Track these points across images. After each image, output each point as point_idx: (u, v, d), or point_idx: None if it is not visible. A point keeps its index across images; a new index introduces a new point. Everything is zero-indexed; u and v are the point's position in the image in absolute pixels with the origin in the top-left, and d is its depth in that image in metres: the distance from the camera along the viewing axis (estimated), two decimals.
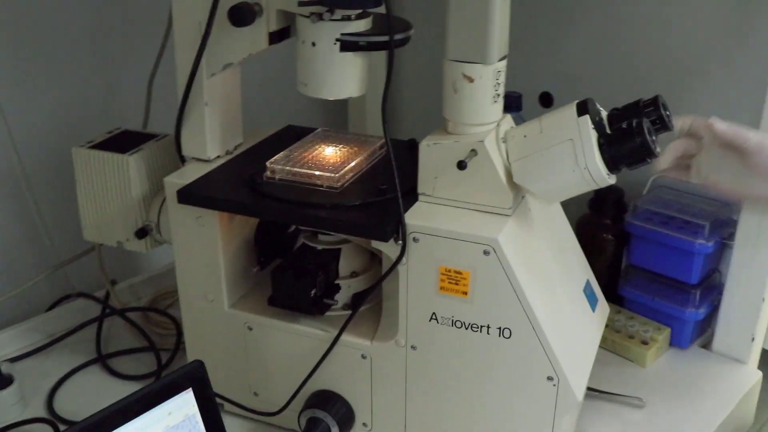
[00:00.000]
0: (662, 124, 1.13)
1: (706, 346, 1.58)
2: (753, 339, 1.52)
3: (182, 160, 1.33)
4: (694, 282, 1.51)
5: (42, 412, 1.38)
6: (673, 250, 1.49)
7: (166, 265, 1.72)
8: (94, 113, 1.59)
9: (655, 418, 1.39)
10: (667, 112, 1.14)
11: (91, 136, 1.40)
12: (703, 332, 1.58)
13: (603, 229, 1.59)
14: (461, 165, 1.11)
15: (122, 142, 1.38)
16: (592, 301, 1.28)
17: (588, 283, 1.30)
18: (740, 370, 1.53)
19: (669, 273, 1.53)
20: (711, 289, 1.54)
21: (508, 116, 1.20)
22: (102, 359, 1.50)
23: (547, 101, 1.72)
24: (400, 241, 1.13)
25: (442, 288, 1.14)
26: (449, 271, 1.13)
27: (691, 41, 1.55)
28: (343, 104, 2.01)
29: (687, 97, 1.51)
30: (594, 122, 1.08)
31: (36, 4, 1.48)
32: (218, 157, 1.32)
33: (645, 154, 1.07)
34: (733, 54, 1.49)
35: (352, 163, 1.26)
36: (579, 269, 1.30)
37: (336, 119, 2.02)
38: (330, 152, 1.31)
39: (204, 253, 1.27)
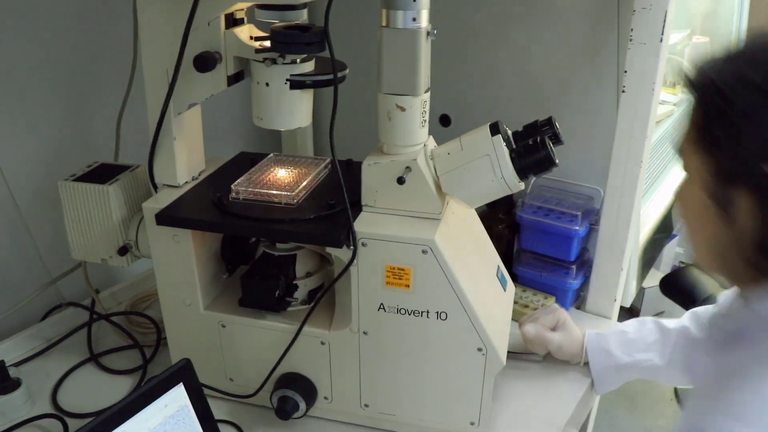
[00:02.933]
0: (557, 139, 1.06)
1: (580, 307, 1.53)
2: (615, 300, 1.49)
3: (155, 186, 1.18)
4: (572, 259, 1.46)
5: (48, 408, 1.22)
6: (554, 235, 1.44)
7: (141, 274, 1.56)
8: (72, 149, 1.43)
9: (549, 367, 1.33)
10: (558, 130, 1.07)
11: (71, 169, 1.24)
12: (578, 297, 1.54)
13: (498, 221, 1.52)
14: (401, 181, 1.02)
15: (101, 173, 1.22)
16: (503, 282, 1.21)
17: (498, 268, 1.22)
18: (606, 323, 1.48)
19: (552, 253, 1.47)
20: (583, 264, 1.50)
21: (431, 137, 1.11)
22: (94, 358, 1.34)
23: (446, 121, 1.64)
24: (352, 247, 1.03)
25: (388, 282, 1.04)
26: (393, 268, 1.03)
27: (554, 72, 1.49)
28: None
29: (553, 114, 1.47)
30: (504, 140, 1.01)
31: (19, 60, 1.32)
32: (186, 182, 1.19)
33: (549, 164, 1.00)
34: (586, 80, 1.45)
35: (304, 182, 1.14)
36: (491, 257, 1.22)
37: (271, 141, 1.89)
38: (283, 174, 1.19)
39: (180, 266, 1.13)
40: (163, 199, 1.13)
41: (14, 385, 1.21)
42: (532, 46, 1.50)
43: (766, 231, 0.77)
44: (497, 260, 1.23)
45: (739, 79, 0.78)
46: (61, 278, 1.39)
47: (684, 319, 1.22)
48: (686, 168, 0.86)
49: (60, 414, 1.19)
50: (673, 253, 2.90)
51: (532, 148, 1.00)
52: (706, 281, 2.13)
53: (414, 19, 0.98)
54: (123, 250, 1.22)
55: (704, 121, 0.81)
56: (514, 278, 1.53)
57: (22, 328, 1.38)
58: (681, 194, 0.89)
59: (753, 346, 0.80)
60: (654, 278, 2.56)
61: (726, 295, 1.07)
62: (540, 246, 1.48)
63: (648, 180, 2.04)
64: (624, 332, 1.27)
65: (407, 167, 1.03)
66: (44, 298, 1.41)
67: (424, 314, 1.05)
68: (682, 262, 2.86)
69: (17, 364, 1.31)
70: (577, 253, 1.47)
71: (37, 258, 1.40)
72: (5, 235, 1.36)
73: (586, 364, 1.29)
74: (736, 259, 0.83)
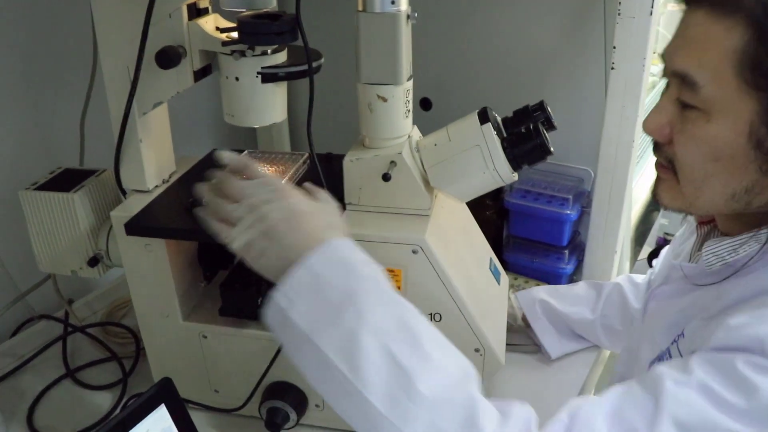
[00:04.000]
0: (549, 125, 0.98)
1: None
2: None
3: (123, 192, 1.09)
4: (564, 244, 1.39)
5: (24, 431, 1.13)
6: (545, 220, 1.38)
7: (115, 280, 1.47)
8: (34, 154, 1.34)
9: (546, 361, 1.26)
10: (551, 114, 1.00)
11: (34, 176, 1.15)
12: (571, 282, 1.47)
13: (486, 207, 1.45)
14: (386, 177, 0.94)
15: (65, 180, 1.13)
16: (497, 276, 1.14)
17: (491, 261, 1.15)
18: None
19: (543, 239, 1.41)
20: (575, 247, 1.44)
21: (416, 127, 1.03)
22: (71, 374, 1.25)
23: (426, 105, 1.56)
24: None
25: None
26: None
27: (538, 50, 1.42)
28: None
29: (538, 94, 1.40)
30: (494, 128, 0.93)
31: None
32: (156, 186, 1.10)
33: (544, 152, 0.93)
34: (573, 57, 1.37)
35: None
36: (483, 249, 1.15)
37: (246, 137, 1.80)
38: None
39: (155, 276, 1.05)
40: (133, 206, 1.04)
41: None
42: (514, 25, 1.42)
43: None
44: (489, 252, 1.16)
45: None
46: (30, 292, 1.30)
47: (617, 278, 1.24)
48: (710, 105, 0.72)
49: None
50: (657, 225, 2.85)
51: (525, 136, 0.93)
52: None
53: (393, 2, 0.90)
54: (93, 261, 1.13)
55: (761, 54, 0.67)
56: (505, 265, 1.46)
57: None
58: (695, 134, 0.74)
59: None
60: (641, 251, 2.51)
61: (682, 235, 1.03)
62: (530, 232, 1.42)
63: (638, 154, 1.97)
64: (555, 288, 1.28)
65: (392, 162, 0.95)
66: (14, 312, 1.32)
67: None
68: (667, 234, 2.82)
69: None
70: (569, 237, 1.40)
71: (2, 272, 1.31)
72: None
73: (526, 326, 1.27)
74: (760, 205, 0.75)
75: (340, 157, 1.01)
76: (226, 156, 0.84)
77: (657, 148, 0.81)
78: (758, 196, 0.74)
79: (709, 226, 0.90)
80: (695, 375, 0.67)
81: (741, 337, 0.68)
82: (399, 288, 0.96)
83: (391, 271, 0.96)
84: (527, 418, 0.72)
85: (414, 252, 0.93)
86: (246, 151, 1.18)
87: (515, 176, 0.95)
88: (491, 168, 0.92)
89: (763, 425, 0.63)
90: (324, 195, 0.87)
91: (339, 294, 0.74)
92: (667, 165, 0.80)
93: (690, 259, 0.92)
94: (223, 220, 0.81)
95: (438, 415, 0.70)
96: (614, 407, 0.69)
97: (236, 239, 0.79)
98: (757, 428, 0.63)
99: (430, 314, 0.97)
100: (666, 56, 0.77)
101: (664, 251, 1.14)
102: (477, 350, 0.99)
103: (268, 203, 0.79)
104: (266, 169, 1.11)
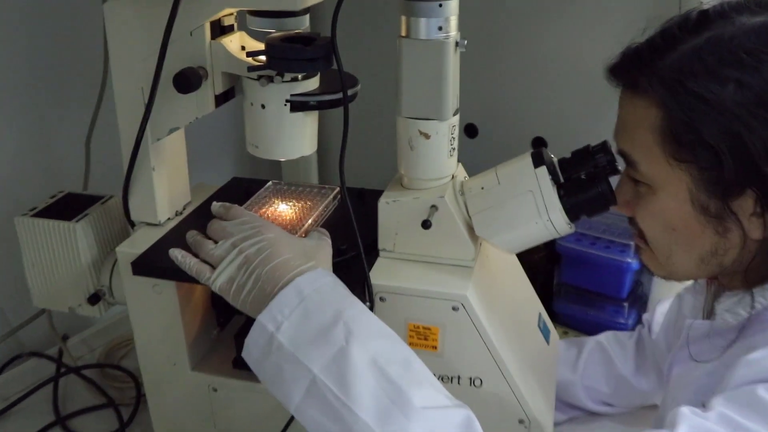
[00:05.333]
0: (613, 169, 0.98)
1: None
2: None
3: (131, 224, 1.12)
4: (624, 296, 1.39)
5: None
6: (603, 268, 1.37)
7: (116, 314, 1.49)
8: (33, 175, 1.38)
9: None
10: (614, 156, 1.00)
11: (32, 200, 1.18)
12: None
13: (535, 251, 1.44)
14: (426, 225, 0.95)
15: (66, 206, 1.16)
16: (546, 334, 1.14)
17: (540, 317, 1.15)
18: None
19: (600, 289, 1.41)
20: (636, 300, 1.43)
21: (461, 165, 1.04)
22: (61, 421, 1.28)
23: (472, 132, 1.57)
24: (368, 303, 0.96)
25: (411, 343, 0.98)
26: (418, 327, 0.97)
27: (594, 74, 1.42)
28: None
29: (592, 124, 1.40)
30: (549, 171, 0.94)
31: None
32: (169, 219, 1.12)
33: (605, 202, 0.93)
34: None
35: (309, 221, 1.08)
36: (531, 304, 1.16)
37: (269, 164, 1.82)
38: (285, 209, 1.13)
39: (163, 320, 1.07)
40: (141, 241, 1.07)
41: None
42: (567, 46, 1.43)
43: None
44: (539, 307, 1.17)
45: (714, 74, 0.76)
46: (22, 327, 1.33)
47: (598, 336, 1.26)
48: (651, 179, 0.84)
49: None
50: None
51: (586, 183, 0.93)
52: None
53: (440, 28, 0.91)
54: (94, 298, 1.15)
55: (684, 132, 0.78)
56: (554, 317, 1.46)
57: None
58: (647, 207, 0.86)
59: None
60: None
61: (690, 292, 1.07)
62: (585, 280, 1.42)
63: None
64: None
65: (433, 206, 0.96)
66: (1, 347, 1.35)
67: (455, 380, 0.99)
68: None
69: None
70: (630, 288, 1.40)
71: None
72: None
73: None
74: (736, 263, 0.84)
75: (373, 194, 1.02)
76: (214, 206, 1.00)
77: (630, 221, 0.92)
78: (725, 257, 0.84)
79: (717, 283, 0.95)
80: (715, 410, 0.72)
81: (761, 370, 0.73)
82: (435, 348, 0.97)
83: (427, 328, 0.96)
84: None
85: (454, 309, 0.94)
86: (270, 183, 1.20)
87: (572, 228, 0.95)
88: (545, 218, 0.93)
89: None
90: (316, 234, 0.97)
91: (328, 313, 0.83)
92: (641, 236, 0.91)
93: (704, 317, 0.98)
94: (204, 262, 0.92)
95: (434, 429, 0.75)
96: None
97: (218, 278, 0.90)
98: None
99: (470, 378, 0.98)
100: (614, 137, 0.89)
101: (660, 310, 1.21)
102: (521, 421, 0.99)
103: (246, 240, 0.90)
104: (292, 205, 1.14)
